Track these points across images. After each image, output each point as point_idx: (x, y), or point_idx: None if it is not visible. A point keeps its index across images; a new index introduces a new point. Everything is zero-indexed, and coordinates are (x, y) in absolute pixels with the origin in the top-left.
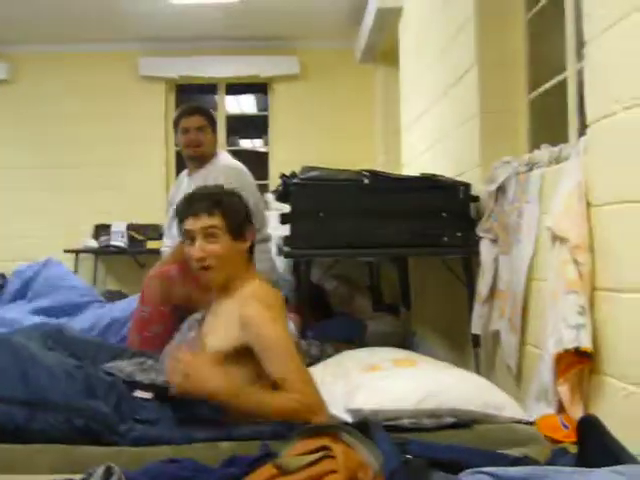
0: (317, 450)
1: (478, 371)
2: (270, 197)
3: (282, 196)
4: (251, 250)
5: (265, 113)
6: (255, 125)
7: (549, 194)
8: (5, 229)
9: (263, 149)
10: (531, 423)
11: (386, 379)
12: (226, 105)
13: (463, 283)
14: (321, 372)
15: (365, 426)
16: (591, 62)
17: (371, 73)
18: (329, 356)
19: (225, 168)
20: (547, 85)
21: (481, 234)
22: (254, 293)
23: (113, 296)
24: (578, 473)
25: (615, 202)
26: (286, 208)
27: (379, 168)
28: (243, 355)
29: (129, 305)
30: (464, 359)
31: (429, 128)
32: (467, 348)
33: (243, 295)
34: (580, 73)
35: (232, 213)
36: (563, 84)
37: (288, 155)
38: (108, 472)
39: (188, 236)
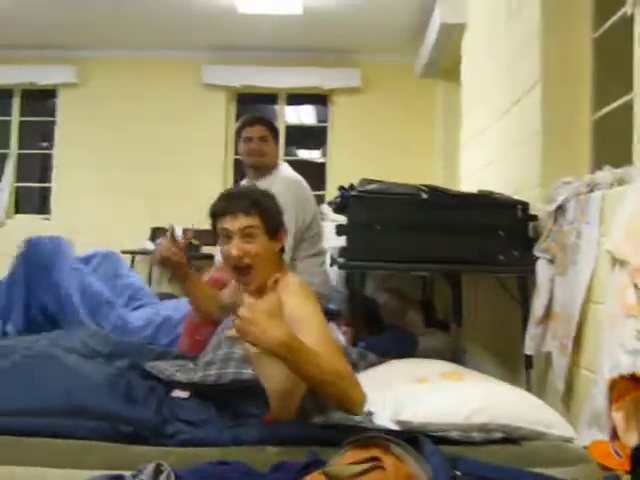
0: (367, 460)
1: (529, 392)
2: (326, 208)
3: (339, 208)
4: (282, 250)
5: (324, 124)
6: (313, 136)
7: (609, 216)
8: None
9: (320, 160)
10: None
11: (435, 392)
12: (286, 115)
13: (518, 302)
14: (368, 381)
15: (414, 438)
16: None
17: (431, 88)
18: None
19: (285, 180)
20: (612, 105)
21: (538, 254)
22: (287, 285)
23: (166, 298)
24: None
25: None
26: (342, 219)
27: (437, 183)
28: None
29: (179, 304)
30: (515, 379)
31: (490, 144)
32: (519, 368)
33: (277, 290)
34: None
35: (269, 213)
36: (629, 105)
37: (346, 167)
38: (158, 469)
39: (224, 234)
